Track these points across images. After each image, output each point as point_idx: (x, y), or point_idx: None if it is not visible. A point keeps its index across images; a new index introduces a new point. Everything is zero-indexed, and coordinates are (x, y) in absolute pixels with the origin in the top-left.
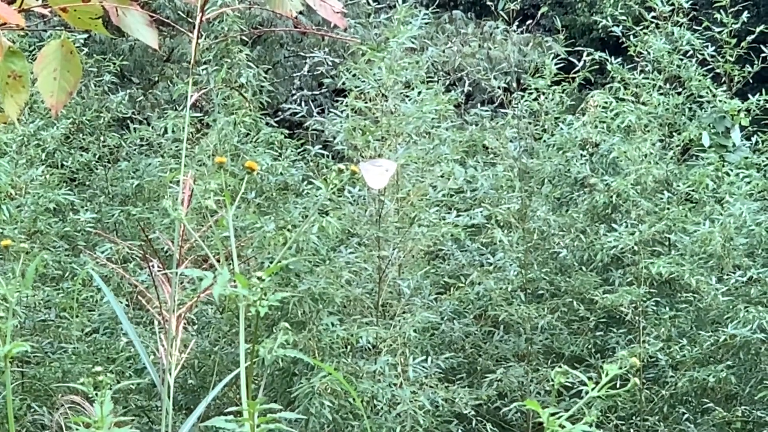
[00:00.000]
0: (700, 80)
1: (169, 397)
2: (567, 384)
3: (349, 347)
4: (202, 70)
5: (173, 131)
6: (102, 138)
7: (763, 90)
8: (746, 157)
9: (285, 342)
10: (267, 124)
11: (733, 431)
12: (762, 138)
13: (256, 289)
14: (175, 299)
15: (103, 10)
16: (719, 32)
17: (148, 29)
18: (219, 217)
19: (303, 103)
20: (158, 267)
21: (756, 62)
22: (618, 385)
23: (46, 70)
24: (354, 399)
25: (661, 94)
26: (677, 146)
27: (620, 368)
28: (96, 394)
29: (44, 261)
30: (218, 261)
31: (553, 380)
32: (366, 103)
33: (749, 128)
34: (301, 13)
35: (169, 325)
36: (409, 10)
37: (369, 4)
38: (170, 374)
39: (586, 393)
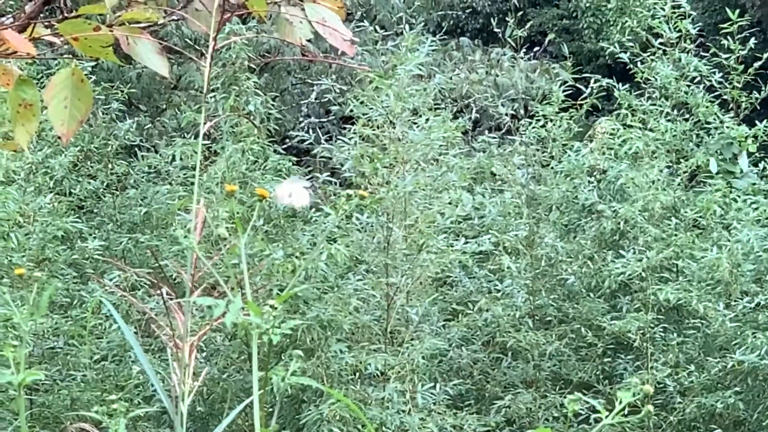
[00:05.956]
0: (707, 107)
1: (182, 426)
2: (575, 411)
3: (357, 374)
4: (210, 97)
5: (181, 159)
6: (110, 166)
7: None
8: (753, 184)
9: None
10: (275, 151)
11: None
12: None
13: (269, 317)
14: (188, 327)
15: (114, 39)
16: (726, 59)
17: (159, 57)
18: (231, 245)
19: (310, 131)
20: (168, 294)
21: (763, 89)
22: (628, 412)
23: (56, 98)
24: (363, 425)
25: (669, 120)
26: (684, 173)
27: (633, 396)
28: (110, 422)
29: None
30: (231, 289)
31: (560, 407)
32: (374, 130)
33: (756, 155)
34: (309, 40)
35: (182, 352)
36: (416, 38)
37: (376, 31)
38: (183, 402)
39: (596, 420)
